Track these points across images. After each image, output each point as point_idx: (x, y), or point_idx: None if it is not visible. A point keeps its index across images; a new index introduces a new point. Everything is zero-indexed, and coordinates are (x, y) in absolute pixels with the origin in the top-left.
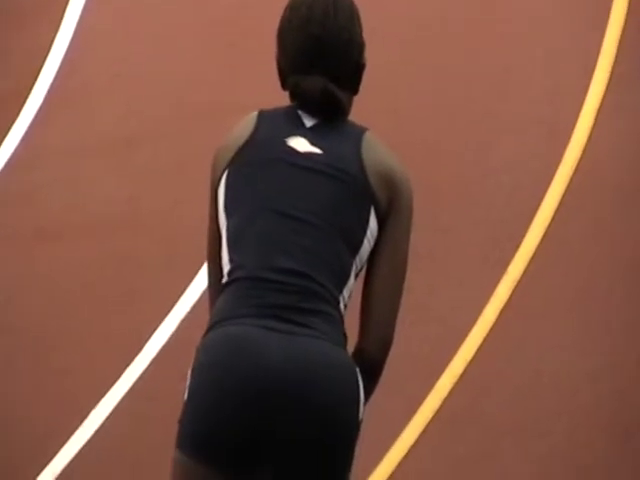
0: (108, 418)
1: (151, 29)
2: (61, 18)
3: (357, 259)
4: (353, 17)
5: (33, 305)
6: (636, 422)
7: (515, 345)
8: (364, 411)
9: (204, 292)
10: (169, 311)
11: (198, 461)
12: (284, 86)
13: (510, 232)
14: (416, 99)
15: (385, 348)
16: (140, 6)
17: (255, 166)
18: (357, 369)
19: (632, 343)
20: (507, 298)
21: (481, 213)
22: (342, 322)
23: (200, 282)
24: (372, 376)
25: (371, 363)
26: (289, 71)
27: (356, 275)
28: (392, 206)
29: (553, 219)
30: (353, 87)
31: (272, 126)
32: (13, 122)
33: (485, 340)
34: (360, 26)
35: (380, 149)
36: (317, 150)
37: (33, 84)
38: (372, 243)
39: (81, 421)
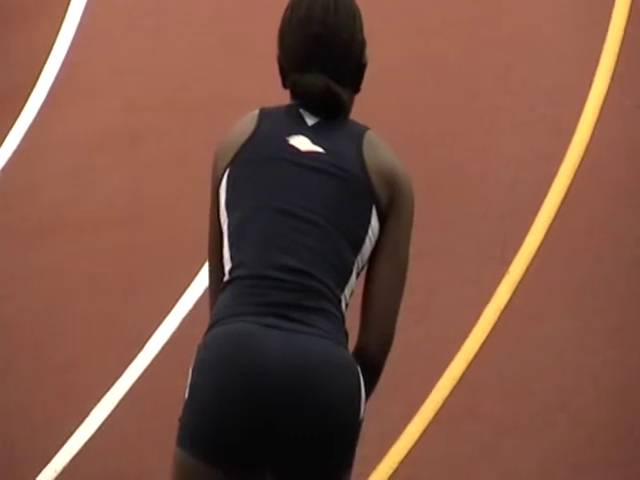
0: (110, 415)
1: (152, 25)
2: (63, 15)
3: (359, 258)
4: (354, 15)
5: (34, 300)
6: (637, 420)
7: (516, 344)
8: (365, 410)
9: (206, 289)
10: (171, 308)
11: (198, 458)
12: (285, 84)
13: (512, 230)
14: (418, 96)
15: (386, 347)
16: (140, 3)
17: (257, 164)
18: (358, 367)
19: (633, 342)
20: (508, 297)
21: (482, 211)
22: (343, 320)
23: (202, 279)
24: (373, 375)
25: (372, 362)
26: (290, 69)
27: (358, 274)
28: (393, 205)
29: (555, 217)
30: (354, 86)
31: (273, 124)
32: (16, 118)
33: (486, 340)
34: (361, 25)
35: (381, 148)
36: (318, 149)
37: (36, 80)
38: (373, 242)
39: (83, 418)
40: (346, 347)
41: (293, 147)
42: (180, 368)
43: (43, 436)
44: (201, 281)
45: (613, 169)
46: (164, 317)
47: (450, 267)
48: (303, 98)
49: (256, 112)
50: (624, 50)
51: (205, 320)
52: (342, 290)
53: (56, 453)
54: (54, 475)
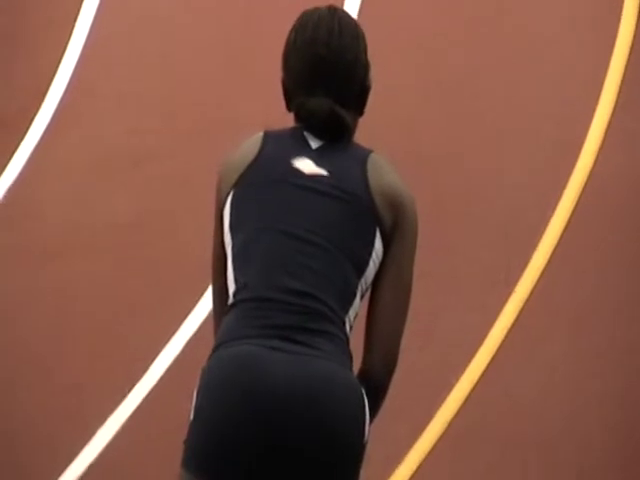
0: (115, 437)
1: (156, 49)
2: (67, 39)
3: (363, 280)
4: (358, 38)
5: (38, 322)
6: None
7: (521, 365)
8: (369, 432)
9: (210, 312)
10: (176, 330)
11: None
12: (289, 107)
13: (517, 252)
14: (422, 117)
15: (390, 369)
16: (145, 26)
17: (261, 187)
18: (362, 389)
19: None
20: (514, 318)
21: (487, 233)
22: (347, 343)
23: (206, 301)
24: (377, 397)
25: (376, 384)
26: (294, 92)
27: (362, 296)
28: (397, 227)
29: (559, 240)
30: (358, 108)
31: (278, 147)
32: (21, 141)
33: (492, 361)
34: (365, 47)
35: (385, 170)
36: (323, 171)
37: (40, 103)
38: (377, 264)
39: (88, 440)
40: (351, 369)
41: (297, 170)
42: (185, 390)
43: (48, 457)
44: (205, 303)
45: (617, 193)
46: (168, 339)
47: (455, 289)
48: (307, 121)
49: (260, 135)
50: (628, 74)
51: (209, 342)
52: (346, 312)
53: (61, 475)
54: None
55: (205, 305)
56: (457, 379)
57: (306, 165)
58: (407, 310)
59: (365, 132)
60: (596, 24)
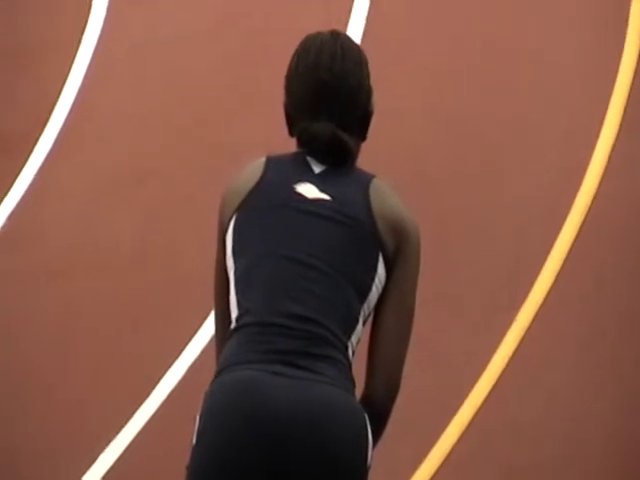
0: (118, 459)
1: (160, 71)
2: (72, 61)
3: (365, 305)
4: (361, 63)
5: (42, 343)
6: None
7: (524, 392)
8: (372, 456)
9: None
10: (179, 354)
11: None
12: (292, 132)
13: (519, 278)
14: (430, 140)
15: (393, 394)
16: (148, 49)
17: (263, 212)
18: (365, 414)
19: None
20: (516, 344)
21: (491, 258)
22: (350, 368)
23: (210, 325)
24: (380, 421)
25: (378, 409)
26: (297, 117)
27: (364, 321)
28: (399, 252)
29: (563, 265)
30: (361, 133)
31: (280, 172)
32: (24, 162)
33: (495, 386)
34: (368, 72)
35: (388, 195)
36: (325, 196)
37: (44, 125)
38: (380, 289)
39: (91, 462)
40: (353, 394)
41: (300, 195)
42: (187, 414)
43: (49, 474)
44: (208, 327)
45: (621, 218)
46: (171, 363)
47: (458, 313)
48: (310, 146)
49: (263, 160)
50: (632, 99)
51: (212, 367)
52: (349, 337)
53: None
54: None
55: (208, 329)
56: (460, 404)
57: (309, 190)
58: (410, 335)
59: (370, 154)
60: (599, 51)
